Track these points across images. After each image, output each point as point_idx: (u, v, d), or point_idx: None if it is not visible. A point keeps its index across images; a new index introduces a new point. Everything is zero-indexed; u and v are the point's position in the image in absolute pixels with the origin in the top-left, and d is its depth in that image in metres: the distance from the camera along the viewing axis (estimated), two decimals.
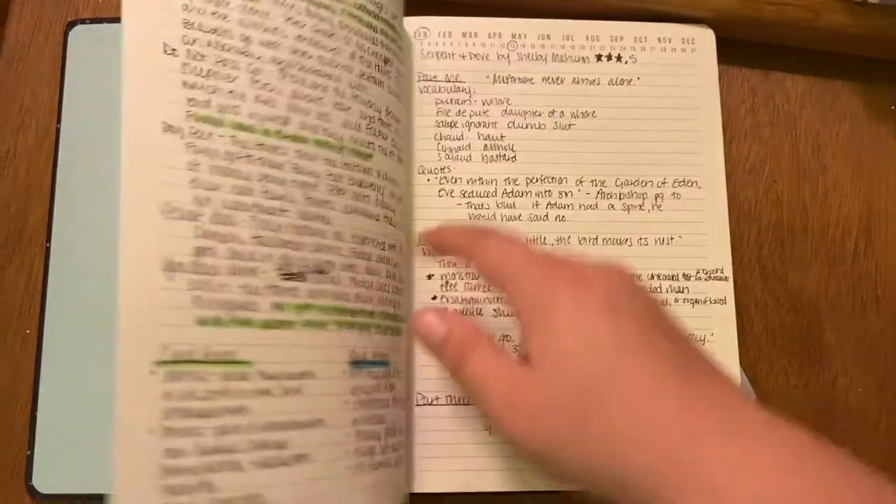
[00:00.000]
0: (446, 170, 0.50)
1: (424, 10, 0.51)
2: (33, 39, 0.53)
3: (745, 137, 0.55)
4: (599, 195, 0.50)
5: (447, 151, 0.50)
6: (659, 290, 0.49)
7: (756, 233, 0.54)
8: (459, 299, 0.47)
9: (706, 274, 0.49)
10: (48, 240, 0.49)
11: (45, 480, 0.46)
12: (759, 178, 0.55)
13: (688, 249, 0.50)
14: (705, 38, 0.53)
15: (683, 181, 0.51)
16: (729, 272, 0.49)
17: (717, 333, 0.49)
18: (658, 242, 0.50)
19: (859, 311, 0.53)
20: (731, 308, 0.49)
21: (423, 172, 0.49)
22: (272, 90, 0.40)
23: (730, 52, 0.55)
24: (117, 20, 0.40)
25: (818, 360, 0.52)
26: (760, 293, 0.53)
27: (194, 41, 0.39)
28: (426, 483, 0.45)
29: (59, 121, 0.50)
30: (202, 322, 0.36)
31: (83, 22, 0.52)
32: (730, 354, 0.49)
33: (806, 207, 0.54)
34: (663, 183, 0.51)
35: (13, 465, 0.47)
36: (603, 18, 0.53)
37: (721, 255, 0.50)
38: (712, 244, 0.50)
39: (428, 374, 0.46)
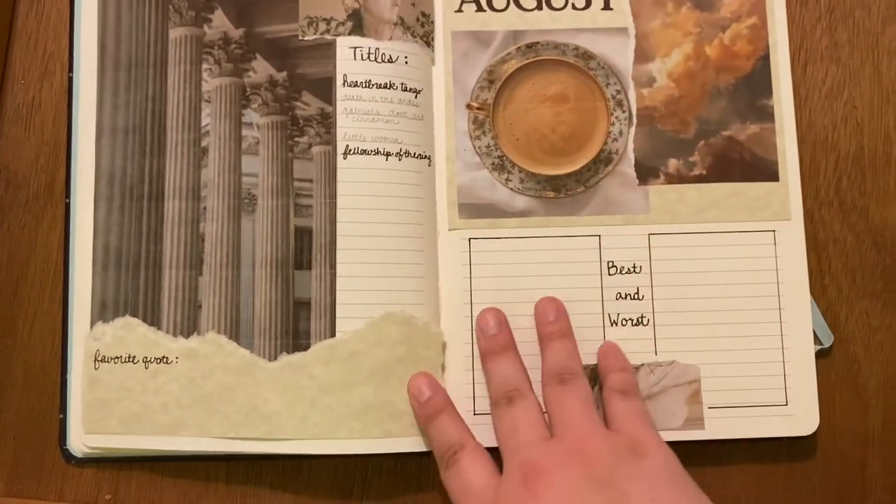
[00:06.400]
0: None
1: None
2: None
3: (821, 59, 0.50)
4: None
5: None
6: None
7: (834, 163, 0.49)
8: None
9: None
10: (67, 195, 0.47)
11: (78, 443, 0.45)
12: (837, 104, 0.50)
13: None
14: None
15: None
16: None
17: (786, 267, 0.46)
18: None
19: None
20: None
21: None
22: None
23: None
24: None
25: None
26: (839, 229, 0.49)
27: None
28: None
29: (70, 69, 0.47)
30: None
31: None
32: (800, 295, 0.46)
33: (889, 135, 0.50)
34: None
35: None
36: None
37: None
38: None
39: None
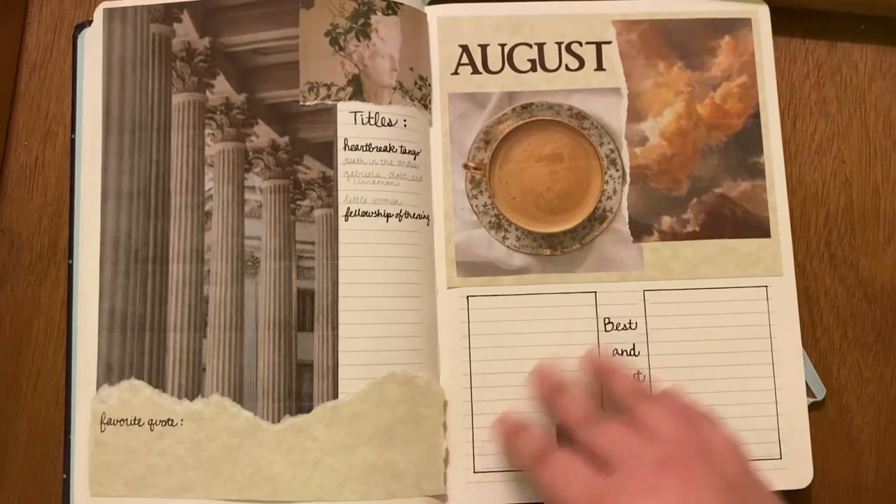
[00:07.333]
0: None
1: None
2: (55, 42, 0.51)
3: (810, 115, 0.51)
4: None
5: None
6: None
7: (824, 218, 0.50)
8: None
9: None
10: (70, 256, 0.47)
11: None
12: (827, 159, 0.51)
13: None
14: (759, 18, 0.50)
15: None
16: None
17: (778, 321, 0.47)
18: None
19: None
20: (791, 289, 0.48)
21: None
22: None
23: (791, 22, 0.51)
24: None
25: (894, 351, 0.49)
26: (830, 282, 0.50)
27: None
28: None
29: (73, 131, 0.48)
30: None
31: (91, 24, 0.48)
32: (792, 347, 0.47)
33: (877, 188, 0.51)
34: None
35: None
36: None
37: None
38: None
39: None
